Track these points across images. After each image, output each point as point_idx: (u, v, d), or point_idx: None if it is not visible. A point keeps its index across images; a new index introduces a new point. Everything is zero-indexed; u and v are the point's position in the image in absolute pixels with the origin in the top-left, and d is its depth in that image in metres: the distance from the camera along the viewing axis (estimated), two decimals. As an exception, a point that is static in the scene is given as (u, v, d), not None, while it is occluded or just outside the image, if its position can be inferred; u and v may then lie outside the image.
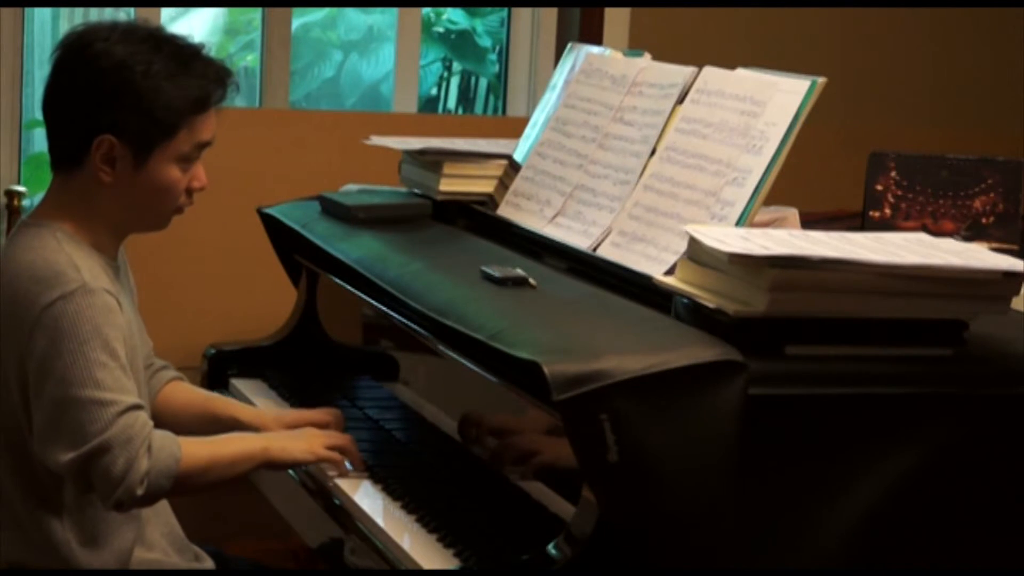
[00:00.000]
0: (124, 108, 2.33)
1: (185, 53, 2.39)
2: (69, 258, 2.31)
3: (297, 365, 3.08)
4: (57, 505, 2.34)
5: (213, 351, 3.10)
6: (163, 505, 2.52)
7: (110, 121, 2.33)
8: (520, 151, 2.87)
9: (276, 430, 2.62)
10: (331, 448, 2.47)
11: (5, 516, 2.38)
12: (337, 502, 2.45)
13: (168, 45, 2.38)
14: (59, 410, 2.24)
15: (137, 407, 2.26)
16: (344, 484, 2.47)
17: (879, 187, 3.10)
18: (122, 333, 2.31)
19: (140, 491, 2.23)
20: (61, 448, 2.24)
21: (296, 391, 2.94)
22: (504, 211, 2.79)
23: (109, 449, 2.22)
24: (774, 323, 2.01)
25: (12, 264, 2.35)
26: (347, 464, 2.50)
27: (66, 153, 2.39)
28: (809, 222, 2.82)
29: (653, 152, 2.54)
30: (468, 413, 2.56)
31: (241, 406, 2.76)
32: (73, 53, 2.38)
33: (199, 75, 2.37)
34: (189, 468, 2.29)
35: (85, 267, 2.31)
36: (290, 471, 2.59)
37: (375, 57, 4.75)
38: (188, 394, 2.69)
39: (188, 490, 2.36)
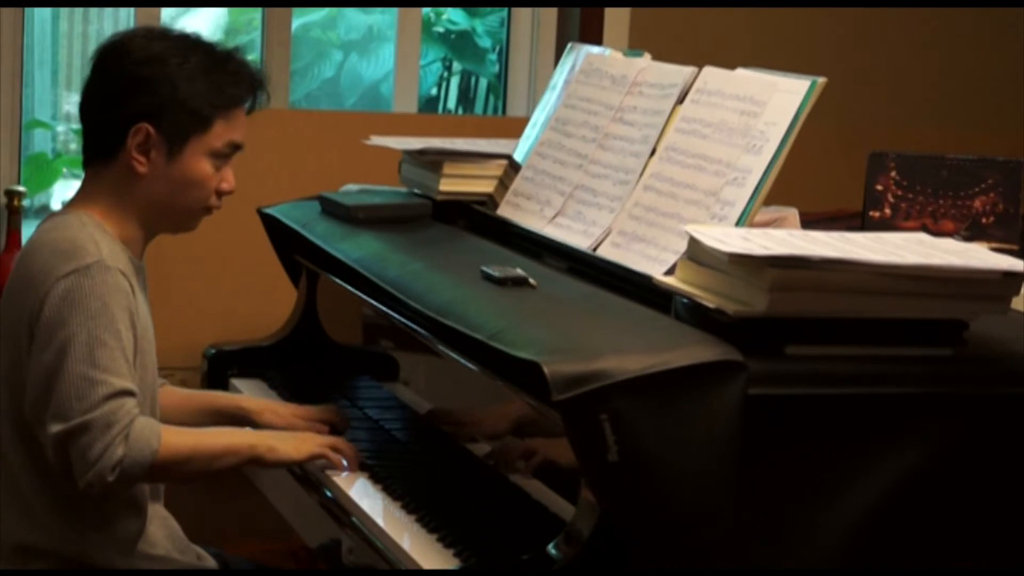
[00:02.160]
0: (160, 96, 2.40)
1: (220, 53, 2.47)
2: (91, 236, 2.36)
3: (297, 365, 3.08)
4: (64, 487, 2.35)
5: (213, 351, 3.10)
6: (164, 508, 2.52)
7: (146, 109, 2.39)
8: (520, 151, 2.87)
9: (274, 418, 2.67)
10: (322, 450, 2.47)
11: (13, 497, 2.40)
12: (337, 502, 2.45)
13: (204, 44, 2.47)
14: (51, 378, 2.26)
15: (126, 392, 2.27)
16: (344, 484, 2.46)
17: (879, 187, 3.10)
18: (129, 316, 2.33)
19: (111, 478, 2.24)
20: (48, 418, 2.26)
21: (296, 391, 2.94)
22: (504, 211, 2.79)
23: (89, 430, 2.23)
24: (774, 323, 2.01)
25: (35, 243, 2.41)
26: (344, 465, 2.50)
27: (101, 145, 2.44)
28: (809, 222, 2.82)
29: (653, 152, 2.54)
30: (464, 411, 2.57)
31: (240, 396, 2.79)
32: (111, 51, 2.46)
33: (233, 72, 2.45)
34: (167, 459, 2.29)
35: (105, 247, 2.35)
36: (289, 471, 2.59)
37: (375, 57, 4.75)
38: (175, 396, 2.71)
39: (166, 479, 2.40)
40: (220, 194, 2.47)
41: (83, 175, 2.50)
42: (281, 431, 2.61)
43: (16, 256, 3.66)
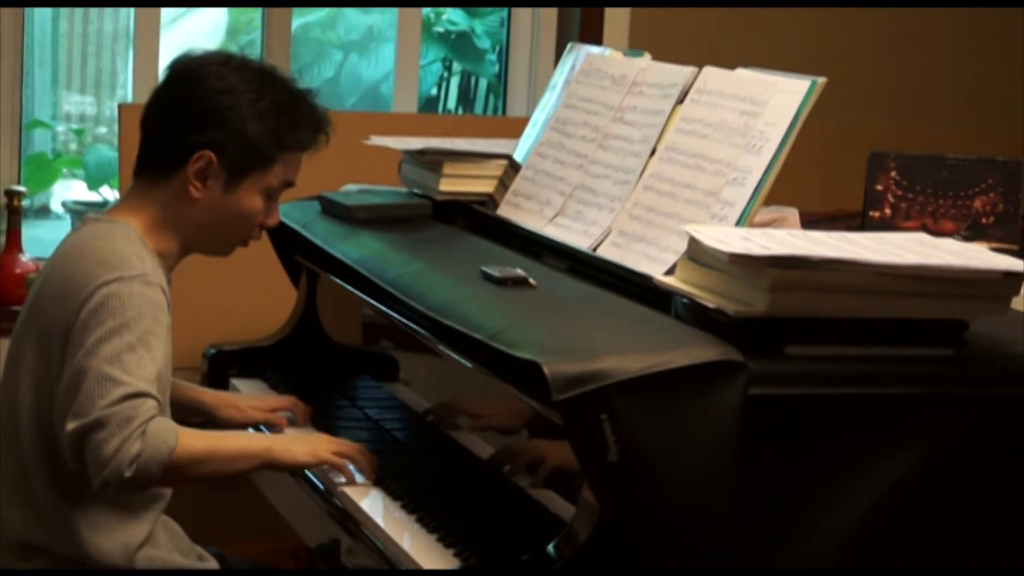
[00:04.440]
0: (229, 129, 2.42)
1: (294, 93, 2.50)
2: (137, 250, 2.38)
3: (297, 365, 3.08)
4: (74, 490, 2.35)
5: (213, 351, 3.10)
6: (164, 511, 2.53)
7: (213, 139, 2.42)
8: (520, 151, 2.87)
9: (233, 412, 2.71)
10: (338, 455, 2.47)
11: (23, 491, 2.41)
12: (337, 502, 2.45)
13: (280, 82, 2.49)
14: (77, 378, 2.27)
15: (147, 394, 2.27)
16: (344, 485, 2.46)
17: (879, 187, 3.10)
18: (163, 332, 2.35)
19: (128, 473, 2.23)
20: (69, 416, 2.26)
21: (296, 391, 2.93)
22: (504, 211, 2.79)
23: (105, 425, 2.23)
24: (774, 323, 2.01)
25: (77, 247, 2.41)
26: (355, 473, 2.47)
27: (159, 161, 2.46)
28: (809, 222, 2.82)
29: (653, 152, 2.54)
30: (465, 408, 2.57)
31: (201, 389, 2.81)
32: (187, 73, 2.48)
33: (304, 116, 2.49)
34: (183, 458, 2.29)
35: (149, 263, 2.38)
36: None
37: (375, 57, 4.75)
38: None
39: (182, 480, 2.38)
40: (263, 227, 2.53)
41: (133, 182, 2.51)
42: (299, 434, 2.61)
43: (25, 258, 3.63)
